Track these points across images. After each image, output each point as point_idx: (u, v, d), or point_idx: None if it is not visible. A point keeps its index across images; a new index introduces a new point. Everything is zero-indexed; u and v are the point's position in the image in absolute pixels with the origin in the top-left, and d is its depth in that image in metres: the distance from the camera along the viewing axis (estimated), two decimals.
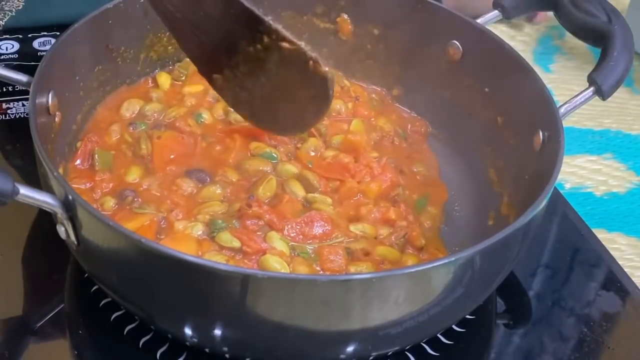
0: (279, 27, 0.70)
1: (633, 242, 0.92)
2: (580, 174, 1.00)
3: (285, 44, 0.70)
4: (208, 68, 0.77)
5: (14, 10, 1.03)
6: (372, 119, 0.87)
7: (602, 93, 0.74)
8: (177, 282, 0.58)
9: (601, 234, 0.87)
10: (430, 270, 0.57)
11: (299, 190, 0.75)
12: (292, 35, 0.70)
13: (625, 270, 0.82)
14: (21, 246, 0.78)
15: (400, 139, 0.86)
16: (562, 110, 0.73)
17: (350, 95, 0.89)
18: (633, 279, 0.82)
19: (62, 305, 0.73)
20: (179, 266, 0.56)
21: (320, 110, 0.74)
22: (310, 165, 0.78)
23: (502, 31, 1.22)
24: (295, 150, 0.80)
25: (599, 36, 0.77)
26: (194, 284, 0.57)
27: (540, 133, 0.73)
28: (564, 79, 1.18)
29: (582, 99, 0.74)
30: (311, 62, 0.70)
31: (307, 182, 0.76)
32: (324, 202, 0.74)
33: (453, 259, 0.58)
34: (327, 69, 0.70)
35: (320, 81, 0.71)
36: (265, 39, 0.71)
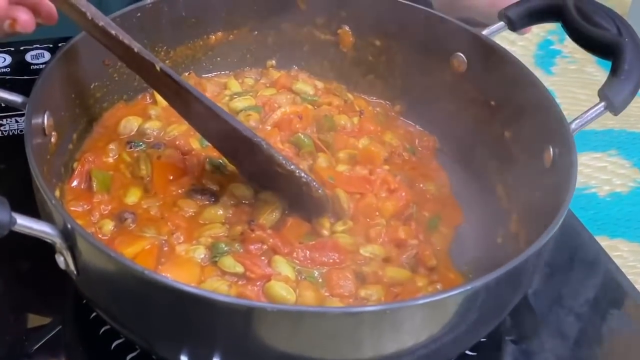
0: (272, 152, 0.70)
1: (635, 249, 0.91)
2: (586, 173, 0.99)
3: (278, 169, 0.70)
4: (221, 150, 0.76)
5: None
6: (379, 134, 0.85)
7: (613, 108, 0.72)
8: (180, 313, 0.56)
9: (604, 242, 0.87)
10: (445, 300, 0.55)
11: (325, 223, 0.73)
12: (285, 158, 0.71)
13: (629, 277, 0.81)
14: (20, 269, 0.75)
15: (409, 154, 0.84)
16: (573, 125, 0.71)
17: (354, 109, 0.87)
18: (637, 287, 0.80)
19: (59, 327, 0.71)
20: (183, 298, 0.54)
21: (320, 213, 0.73)
22: (331, 181, 0.76)
23: (501, 36, 1.20)
24: (313, 166, 0.78)
25: (608, 49, 0.75)
26: (198, 316, 0.55)
27: (551, 149, 0.72)
28: (566, 82, 1.17)
29: (594, 114, 0.73)
30: (304, 187, 0.70)
31: (338, 202, 0.74)
32: (342, 234, 0.72)
33: (469, 287, 0.56)
34: (320, 191, 0.71)
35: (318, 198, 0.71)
36: (262, 157, 0.70)
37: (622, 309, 0.79)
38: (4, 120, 0.90)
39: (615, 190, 0.98)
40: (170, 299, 0.55)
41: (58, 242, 0.58)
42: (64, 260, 0.59)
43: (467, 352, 0.70)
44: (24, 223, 0.57)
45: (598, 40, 0.76)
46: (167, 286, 0.54)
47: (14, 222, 0.56)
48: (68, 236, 0.58)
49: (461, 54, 0.83)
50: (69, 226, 0.57)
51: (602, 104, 0.73)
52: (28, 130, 0.65)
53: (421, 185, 0.81)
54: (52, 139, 0.71)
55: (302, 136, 0.80)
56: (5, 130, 0.89)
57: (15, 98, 0.69)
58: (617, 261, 0.83)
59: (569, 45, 1.21)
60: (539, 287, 0.78)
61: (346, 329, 0.54)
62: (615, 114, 0.73)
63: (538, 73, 1.16)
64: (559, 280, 0.80)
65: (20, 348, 0.69)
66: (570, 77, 1.18)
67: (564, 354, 0.73)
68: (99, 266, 0.58)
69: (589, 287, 0.81)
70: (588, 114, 0.73)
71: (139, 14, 0.80)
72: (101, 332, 0.69)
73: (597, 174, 1.00)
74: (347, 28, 0.89)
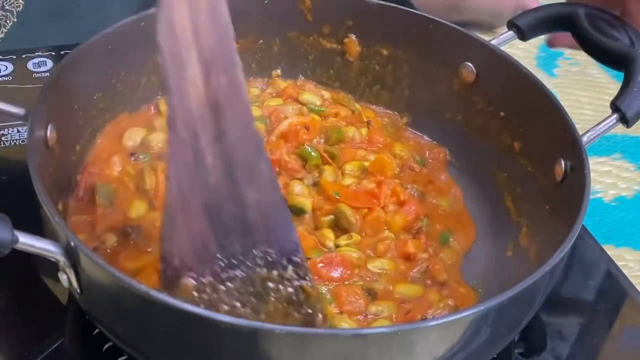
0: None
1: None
2: (591, 177, 0.99)
3: (306, 284, 0.60)
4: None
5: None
6: (388, 146, 0.83)
7: (626, 120, 0.71)
8: (185, 334, 0.54)
9: (610, 251, 0.85)
10: (458, 320, 0.54)
11: (329, 234, 0.72)
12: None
13: (637, 288, 0.80)
14: (21, 284, 0.74)
15: (420, 166, 0.82)
16: (584, 138, 0.70)
17: (362, 120, 0.85)
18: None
19: (61, 340, 0.69)
20: (188, 319, 0.53)
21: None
22: (337, 197, 0.74)
23: None
24: (319, 179, 0.76)
25: (620, 60, 0.74)
26: (203, 337, 0.54)
27: (562, 162, 0.70)
28: (568, 84, 1.17)
29: (606, 127, 0.71)
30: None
31: (345, 218, 0.72)
32: (349, 248, 0.71)
33: (482, 307, 0.54)
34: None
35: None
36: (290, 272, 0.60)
37: (622, 309, 0.79)
38: (6, 130, 0.89)
39: (620, 194, 0.97)
40: (175, 319, 0.53)
41: (61, 260, 0.57)
42: (67, 278, 0.58)
43: None
44: (26, 241, 0.55)
45: (610, 51, 0.75)
46: (171, 307, 0.52)
47: (16, 241, 0.55)
48: (72, 254, 0.56)
49: (470, 64, 0.82)
50: (72, 244, 0.56)
51: (615, 116, 0.72)
52: (31, 144, 0.63)
53: (433, 201, 0.79)
54: (55, 151, 0.70)
55: (308, 148, 0.79)
56: (7, 141, 0.88)
57: (17, 110, 0.68)
58: (624, 271, 0.82)
59: None
60: None
61: (356, 351, 0.53)
62: (628, 127, 0.72)
63: (540, 75, 1.14)
64: (558, 280, 0.78)
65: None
66: (573, 79, 1.17)
67: (563, 354, 0.73)
68: (103, 285, 0.56)
69: (589, 287, 0.80)
70: (600, 126, 0.71)
71: (142, 23, 0.79)
72: (104, 349, 0.68)
73: (602, 178, 1.00)
74: (353, 37, 0.88)
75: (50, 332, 0.71)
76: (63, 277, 0.58)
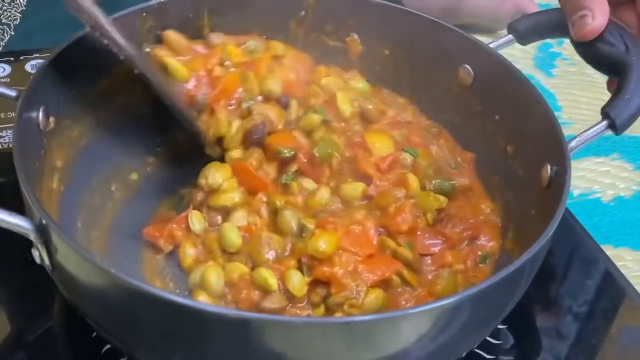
0: None
1: (639, 257, 0.89)
2: (589, 177, 0.99)
3: None
4: None
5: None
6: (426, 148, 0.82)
7: (615, 127, 0.70)
8: (157, 320, 0.55)
9: (609, 251, 0.85)
10: (437, 308, 0.54)
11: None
12: None
13: (636, 287, 0.80)
14: (11, 265, 0.75)
15: (454, 170, 0.81)
16: (572, 144, 0.70)
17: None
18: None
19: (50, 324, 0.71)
20: (150, 300, 0.53)
21: None
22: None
23: None
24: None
25: (615, 66, 0.73)
26: (176, 324, 0.54)
27: (548, 167, 0.70)
28: (566, 84, 1.16)
29: (594, 133, 0.71)
30: None
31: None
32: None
33: (445, 302, 0.54)
34: None
35: None
36: None
37: (621, 309, 0.79)
38: (4, 132, 0.89)
39: (619, 194, 0.96)
40: (137, 300, 0.54)
41: (33, 236, 0.58)
42: (39, 255, 0.60)
43: None
44: None
45: (605, 56, 0.74)
46: (133, 287, 0.53)
47: None
48: (43, 232, 0.58)
49: (468, 66, 0.82)
50: (44, 222, 0.57)
51: (604, 122, 0.71)
52: (17, 123, 0.64)
53: (483, 206, 0.78)
54: (50, 136, 0.71)
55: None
56: (5, 142, 0.88)
57: (9, 92, 0.69)
58: (622, 271, 0.82)
59: (568, 48, 1.19)
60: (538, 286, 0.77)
61: (343, 338, 0.53)
62: (617, 134, 0.71)
63: (538, 75, 1.14)
64: (558, 280, 0.79)
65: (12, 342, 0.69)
66: (571, 80, 1.16)
67: (562, 354, 0.73)
68: (72, 263, 0.58)
69: (587, 287, 0.80)
70: (589, 132, 0.71)
71: (144, 14, 0.80)
72: (103, 351, 0.69)
73: (600, 178, 0.99)
74: (355, 36, 0.88)
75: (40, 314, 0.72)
76: (35, 254, 0.60)
